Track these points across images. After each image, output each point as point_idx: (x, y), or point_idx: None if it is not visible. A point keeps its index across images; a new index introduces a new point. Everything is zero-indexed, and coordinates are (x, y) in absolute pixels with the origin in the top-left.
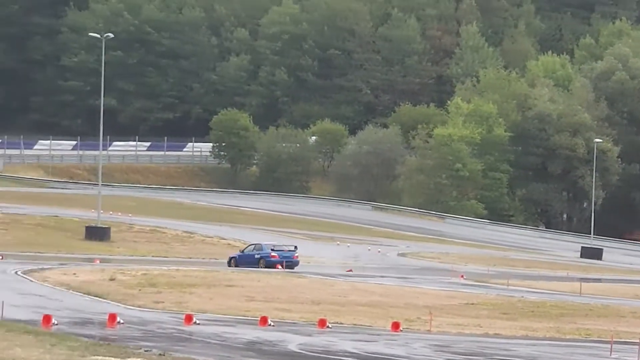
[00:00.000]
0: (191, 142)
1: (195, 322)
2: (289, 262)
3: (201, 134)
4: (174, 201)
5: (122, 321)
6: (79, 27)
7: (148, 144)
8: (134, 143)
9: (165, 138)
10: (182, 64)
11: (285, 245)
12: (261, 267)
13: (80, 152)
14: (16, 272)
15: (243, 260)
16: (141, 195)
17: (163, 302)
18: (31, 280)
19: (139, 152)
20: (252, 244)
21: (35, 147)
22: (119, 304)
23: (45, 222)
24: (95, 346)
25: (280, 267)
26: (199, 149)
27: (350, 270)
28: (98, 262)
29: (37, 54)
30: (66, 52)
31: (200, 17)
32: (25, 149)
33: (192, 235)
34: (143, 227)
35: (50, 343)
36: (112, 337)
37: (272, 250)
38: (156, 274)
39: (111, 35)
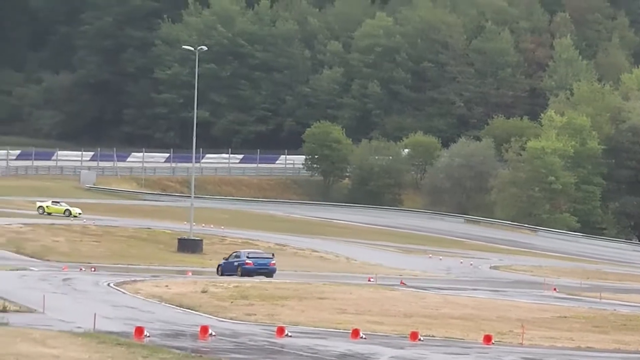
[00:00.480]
0: (284, 154)
1: (287, 335)
2: (265, 270)
3: (294, 147)
4: (266, 213)
5: (214, 333)
6: (172, 40)
7: (241, 156)
8: (226, 155)
9: (258, 150)
10: (275, 77)
11: (262, 253)
12: (238, 275)
13: (173, 165)
14: (108, 284)
15: (227, 267)
16: (233, 207)
17: (255, 314)
18: (123, 292)
19: (231, 165)
20: (235, 252)
21: (128, 159)
22: (211, 316)
23: (138, 234)
24: (187, 358)
25: (257, 275)
26: (292, 162)
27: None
28: (190, 274)
29: (130, 67)
30: (159, 65)
31: (293, 29)
32: (118, 161)
33: (284, 247)
34: (235, 240)
35: (142, 355)
36: (204, 349)
37: (247, 257)
38: (248, 286)
39: (205, 47)
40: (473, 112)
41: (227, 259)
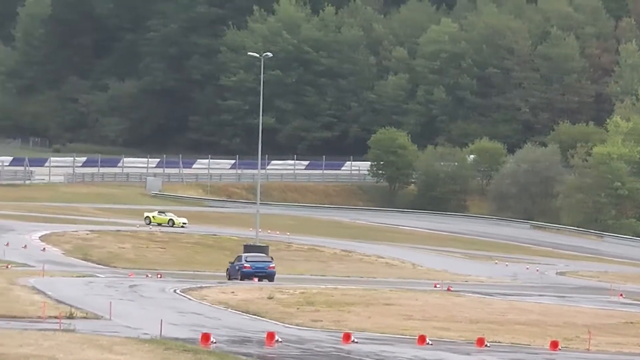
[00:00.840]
0: (349, 160)
1: (353, 341)
2: (263, 273)
3: (359, 153)
4: (332, 220)
5: (280, 340)
6: (237, 47)
7: (306, 162)
8: (292, 162)
9: (324, 157)
10: (341, 83)
11: (261, 256)
12: (238, 278)
13: (239, 171)
14: (175, 291)
15: (232, 271)
16: (299, 213)
17: (321, 320)
18: (190, 299)
19: (297, 171)
20: (239, 256)
21: (194, 166)
22: (277, 323)
23: (204, 241)
24: None
25: (256, 279)
26: (357, 168)
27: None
28: (256, 280)
29: (196, 74)
30: (225, 72)
31: (358, 36)
32: (184, 168)
33: (350, 253)
34: (301, 246)
35: None
36: (271, 355)
37: (246, 261)
38: (314, 293)
39: (270, 54)
40: (538, 117)
41: (232, 263)
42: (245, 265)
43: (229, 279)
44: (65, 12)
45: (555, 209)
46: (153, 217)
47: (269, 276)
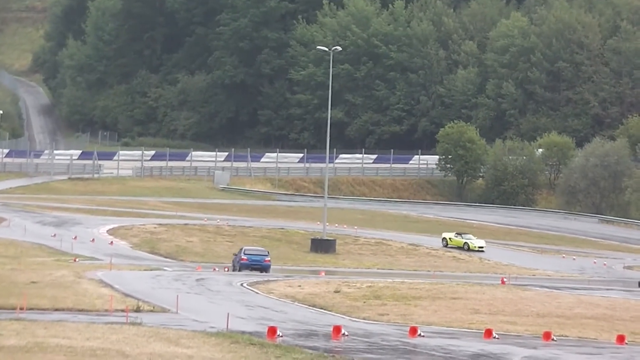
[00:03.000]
0: (417, 154)
1: (420, 335)
2: (259, 265)
3: (428, 147)
4: (400, 214)
5: (346, 333)
6: (307, 41)
7: (374, 156)
8: (360, 155)
9: (392, 150)
10: (410, 77)
11: (260, 250)
12: (237, 269)
13: (307, 165)
14: (242, 284)
15: (234, 262)
16: (367, 207)
17: (388, 314)
18: (257, 292)
19: (365, 165)
20: (241, 248)
21: (262, 159)
22: (343, 316)
23: (271, 235)
24: (320, 358)
25: (256, 271)
26: (425, 162)
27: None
28: (323, 274)
29: (265, 68)
30: (294, 66)
31: (428, 30)
32: (252, 161)
33: (417, 247)
34: (368, 240)
35: (275, 355)
36: (337, 349)
37: (244, 253)
38: (381, 287)
39: (339, 48)
40: (608, 111)
41: (236, 255)
42: (242, 257)
43: (234, 270)
44: (136, 6)
45: (624, 203)
46: (450, 239)
47: (265, 268)
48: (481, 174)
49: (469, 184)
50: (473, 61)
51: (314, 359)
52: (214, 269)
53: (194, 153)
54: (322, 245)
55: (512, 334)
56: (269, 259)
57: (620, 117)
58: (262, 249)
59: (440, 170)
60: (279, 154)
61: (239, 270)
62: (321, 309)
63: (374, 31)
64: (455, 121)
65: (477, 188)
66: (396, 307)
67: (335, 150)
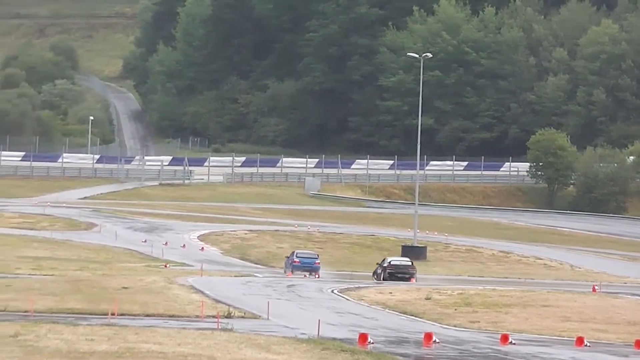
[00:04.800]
0: (508, 161)
1: (511, 342)
2: (310, 267)
3: (518, 154)
4: (491, 221)
5: (437, 340)
6: (397, 47)
7: (465, 163)
8: (450, 163)
9: (482, 157)
10: (500, 84)
11: (310, 253)
12: (290, 271)
13: (397, 172)
14: (332, 291)
15: (286, 264)
16: (457, 214)
17: (479, 321)
18: (347, 299)
19: (455, 172)
20: (293, 251)
21: (353, 166)
22: (434, 323)
23: (362, 241)
24: None
25: (305, 274)
26: (516, 169)
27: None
28: (414, 281)
29: (355, 74)
30: (384, 72)
31: (518, 36)
32: (342, 168)
33: (508, 255)
34: (459, 247)
35: None
36: (428, 356)
37: (296, 256)
38: (472, 294)
39: (429, 55)
40: None
41: (288, 257)
42: (295, 260)
43: (285, 272)
44: (226, 13)
45: None
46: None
47: (315, 270)
48: (572, 181)
49: (560, 191)
50: (563, 68)
51: None
52: (305, 275)
53: (284, 159)
54: (412, 252)
55: (603, 342)
56: (319, 261)
57: None
58: (313, 252)
59: (530, 178)
60: (370, 160)
61: (292, 272)
62: (412, 315)
63: (464, 38)
64: (545, 128)
65: (567, 195)
66: (487, 315)
67: (425, 157)
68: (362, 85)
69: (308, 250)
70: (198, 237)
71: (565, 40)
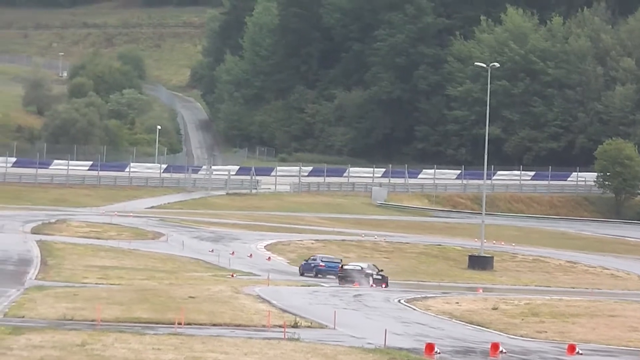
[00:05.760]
0: (575, 171)
1: (578, 352)
2: (334, 272)
3: (585, 164)
4: (558, 231)
5: (504, 350)
6: (464, 57)
7: (532, 173)
8: (518, 172)
9: (550, 167)
10: (567, 94)
11: (333, 258)
12: (313, 275)
13: (464, 181)
14: (399, 301)
15: (306, 268)
16: (524, 224)
17: (546, 331)
18: (414, 309)
19: (522, 182)
20: (313, 256)
21: (420, 176)
22: (501, 333)
23: (428, 251)
24: None
25: (330, 275)
26: (583, 179)
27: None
28: (481, 291)
29: (422, 84)
30: (451, 82)
31: (586, 46)
32: (409, 177)
33: (575, 265)
34: (526, 257)
35: None
36: None
37: (321, 261)
38: (539, 304)
39: (497, 64)
40: None
41: (307, 261)
42: (321, 264)
43: (301, 275)
44: (293, 22)
45: None
46: None
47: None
48: (639, 191)
49: (627, 201)
50: (631, 78)
51: None
52: (372, 285)
53: (351, 169)
54: (479, 262)
55: None
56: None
57: None
58: (335, 257)
59: (598, 187)
60: (436, 170)
61: (315, 276)
62: (479, 325)
63: (531, 47)
64: (613, 138)
65: (635, 205)
66: (554, 325)
67: (492, 166)
68: (429, 94)
69: (329, 255)
70: (265, 246)
71: (633, 49)
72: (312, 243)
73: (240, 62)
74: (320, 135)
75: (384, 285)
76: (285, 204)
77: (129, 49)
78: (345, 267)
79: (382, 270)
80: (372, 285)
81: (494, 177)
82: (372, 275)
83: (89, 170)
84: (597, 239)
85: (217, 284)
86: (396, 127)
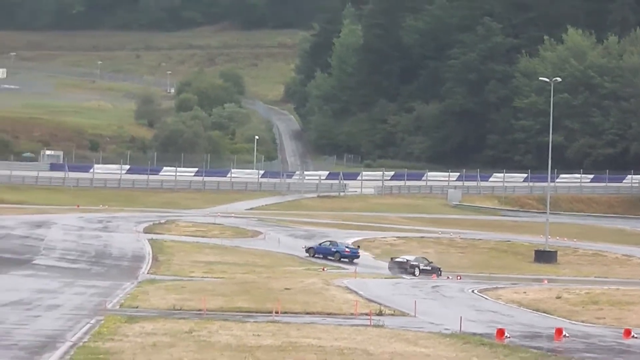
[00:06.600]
0: (630, 174)
1: (633, 336)
2: (356, 256)
3: (639, 167)
4: (615, 228)
5: (567, 335)
6: (530, 73)
7: (591, 176)
8: (578, 176)
9: (607, 171)
10: (622, 105)
11: (351, 245)
12: (337, 259)
13: (530, 184)
14: (472, 291)
15: (321, 251)
16: (584, 222)
17: (604, 318)
18: (486, 298)
19: (583, 184)
20: (327, 240)
21: (490, 179)
22: (564, 320)
23: (499, 247)
24: (543, 357)
25: (353, 259)
26: (638, 181)
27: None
28: (546, 282)
29: (492, 97)
30: (518, 95)
31: (638, 62)
32: (481, 181)
33: (630, 258)
34: (586, 251)
35: (503, 354)
36: (559, 349)
37: (346, 247)
38: (598, 293)
39: (559, 79)
40: None
41: (320, 244)
42: (346, 249)
43: (313, 256)
44: (376, 42)
45: None
46: None
47: (358, 258)
48: None
49: None
50: None
51: (538, 357)
52: (448, 277)
53: (429, 173)
54: (544, 256)
55: None
56: (359, 253)
57: None
58: (351, 244)
59: None
60: (505, 174)
61: (339, 260)
62: (544, 313)
63: (589, 63)
64: None
65: None
66: (611, 312)
67: (555, 170)
68: (498, 106)
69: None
70: (352, 243)
71: None
72: (394, 240)
73: (329, 78)
74: (400, 144)
75: (434, 277)
76: (370, 205)
77: (229, 68)
78: (394, 259)
79: (432, 262)
80: (417, 275)
81: (557, 180)
82: (417, 266)
83: (194, 176)
84: None
85: (310, 277)
86: (469, 136)
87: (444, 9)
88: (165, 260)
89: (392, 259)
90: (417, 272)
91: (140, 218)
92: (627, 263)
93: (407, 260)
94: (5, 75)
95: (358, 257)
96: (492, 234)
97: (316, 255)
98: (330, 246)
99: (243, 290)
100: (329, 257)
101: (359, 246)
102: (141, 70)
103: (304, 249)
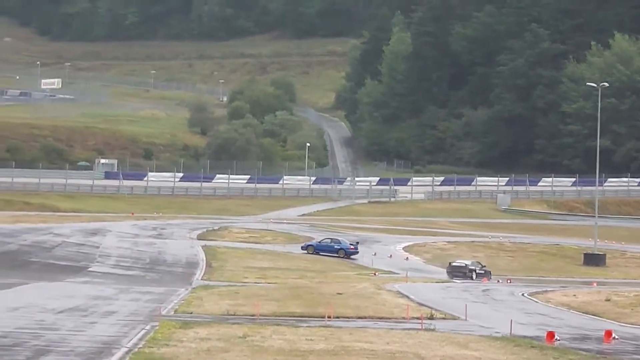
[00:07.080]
0: None
1: None
2: (357, 252)
3: None
4: None
5: (617, 337)
6: (577, 78)
7: (638, 180)
8: (626, 179)
9: None
10: None
11: (352, 242)
12: (341, 256)
13: (579, 188)
14: (522, 294)
15: (321, 248)
16: (632, 225)
17: None
18: (536, 301)
19: (630, 187)
20: (328, 238)
21: (539, 184)
22: (613, 322)
23: (548, 250)
24: (593, 359)
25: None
26: None
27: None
28: (595, 285)
29: (540, 102)
30: (566, 100)
31: None
32: (530, 185)
33: None
34: (634, 254)
35: (553, 356)
36: (608, 351)
37: (350, 244)
38: None
39: (606, 84)
40: None
41: (320, 242)
42: (351, 246)
43: (312, 253)
44: (425, 50)
45: None
46: None
47: (354, 253)
48: None
49: None
50: None
51: None
52: (498, 281)
53: (478, 178)
54: (593, 259)
55: None
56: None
57: None
58: (348, 240)
59: None
60: (554, 178)
61: (344, 257)
62: (593, 315)
63: (636, 68)
64: None
65: None
66: None
67: (603, 174)
68: (546, 111)
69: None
70: (403, 248)
71: None
72: (445, 244)
73: (379, 85)
74: (450, 149)
75: (484, 280)
76: (420, 210)
77: (280, 76)
78: (452, 263)
79: (485, 266)
80: (474, 279)
81: (605, 184)
82: (474, 270)
83: (247, 183)
84: None
85: (361, 282)
86: (517, 141)
87: (493, 16)
88: (219, 267)
89: (450, 263)
90: (474, 276)
91: (193, 225)
92: None
93: (466, 264)
94: (60, 86)
95: (357, 253)
96: (541, 237)
97: (318, 252)
98: (332, 244)
99: (295, 295)
100: (333, 255)
101: (357, 242)
102: (194, 79)
103: (302, 248)
